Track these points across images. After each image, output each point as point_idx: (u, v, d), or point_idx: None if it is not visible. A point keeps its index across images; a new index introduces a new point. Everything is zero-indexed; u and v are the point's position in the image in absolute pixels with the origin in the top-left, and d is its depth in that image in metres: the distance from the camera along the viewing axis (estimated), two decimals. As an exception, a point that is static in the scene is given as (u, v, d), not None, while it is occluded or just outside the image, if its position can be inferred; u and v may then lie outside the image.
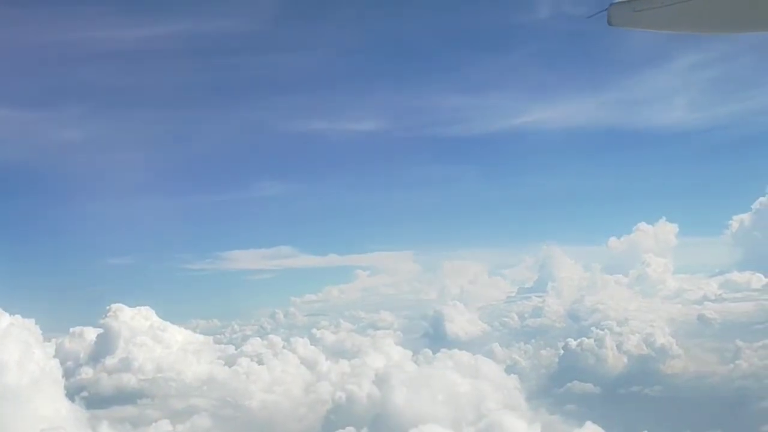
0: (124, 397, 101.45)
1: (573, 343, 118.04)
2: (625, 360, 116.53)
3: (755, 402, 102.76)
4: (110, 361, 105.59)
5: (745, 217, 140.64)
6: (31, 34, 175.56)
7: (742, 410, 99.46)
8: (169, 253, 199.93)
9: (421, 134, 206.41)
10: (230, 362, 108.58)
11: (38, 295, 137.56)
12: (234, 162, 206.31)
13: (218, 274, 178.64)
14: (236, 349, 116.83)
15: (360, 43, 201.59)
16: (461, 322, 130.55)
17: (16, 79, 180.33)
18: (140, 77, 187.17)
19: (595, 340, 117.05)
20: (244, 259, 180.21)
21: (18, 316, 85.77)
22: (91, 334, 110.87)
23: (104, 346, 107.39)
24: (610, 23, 8.09)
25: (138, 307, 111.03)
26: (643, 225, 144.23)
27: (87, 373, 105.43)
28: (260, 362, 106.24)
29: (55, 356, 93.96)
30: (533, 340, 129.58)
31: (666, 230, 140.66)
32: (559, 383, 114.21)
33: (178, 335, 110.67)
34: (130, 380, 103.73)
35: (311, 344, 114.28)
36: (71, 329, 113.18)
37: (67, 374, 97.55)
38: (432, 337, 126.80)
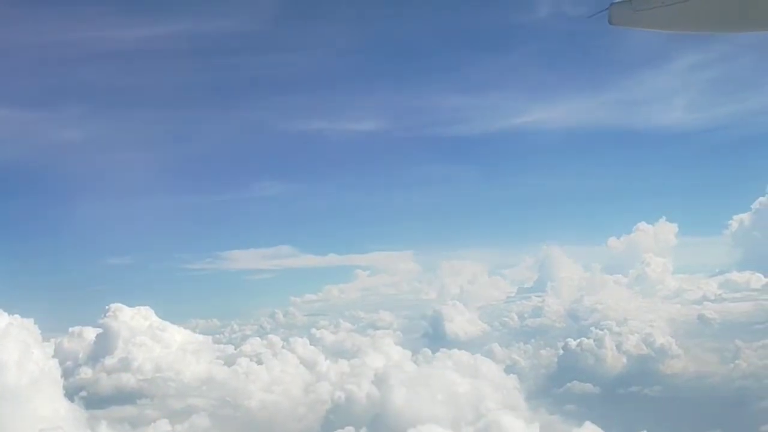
0: (123, 397, 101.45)
1: (572, 343, 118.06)
2: (625, 360, 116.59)
3: (755, 402, 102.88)
4: (109, 361, 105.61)
5: (745, 217, 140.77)
6: (31, 34, 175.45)
7: (741, 410, 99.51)
8: (169, 252, 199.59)
9: (421, 134, 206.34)
10: (229, 362, 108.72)
11: (37, 295, 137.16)
12: (234, 162, 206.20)
13: (218, 274, 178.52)
14: (235, 349, 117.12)
15: (360, 43, 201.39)
16: (461, 322, 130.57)
17: (16, 79, 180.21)
18: (140, 77, 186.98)
19: (594, 340, 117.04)
20: (244, 258, 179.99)
21: (17, 316, 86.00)
22: (90, 333, 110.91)
23: (103, 345, 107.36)
24: (610, 23, 8.09)
25: (137, 307, 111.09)
26: (642, 225, 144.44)
27: (86, 373, 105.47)
28: (259, 362, 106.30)
29: (54, 356, 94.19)
30: (533, 340, 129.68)
31: (666, 230, 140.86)
32: (558, 383, 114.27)
33: (177, 335, 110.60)
34: (129, 380, 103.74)
35: (311, 344, 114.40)
36: (70, 329, 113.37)
37: (66, 374, 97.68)
38: (431, 337, 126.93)
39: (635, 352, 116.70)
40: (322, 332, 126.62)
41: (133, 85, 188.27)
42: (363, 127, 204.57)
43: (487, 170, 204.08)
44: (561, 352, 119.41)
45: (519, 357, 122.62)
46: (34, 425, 71.05)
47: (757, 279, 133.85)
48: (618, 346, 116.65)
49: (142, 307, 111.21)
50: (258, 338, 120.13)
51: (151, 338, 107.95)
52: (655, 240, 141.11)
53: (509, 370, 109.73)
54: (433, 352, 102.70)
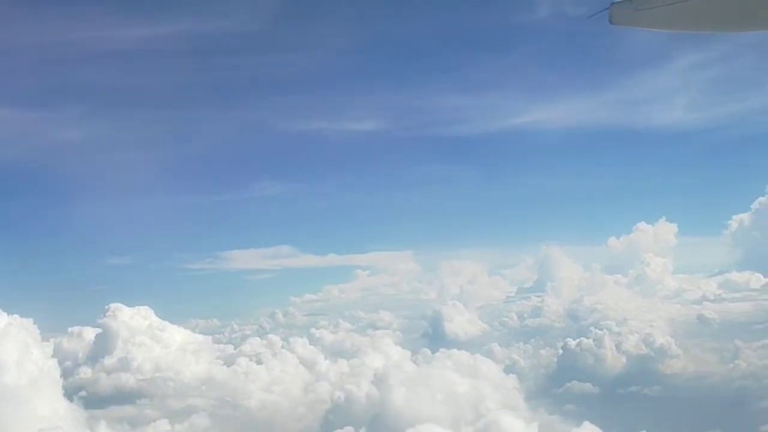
0: (123, 396, 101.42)
1: (572, 343, 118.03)
2: (624, 360, 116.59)
3: (754, 402, 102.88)
4: (109, 361, 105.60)
5: (745, 217, 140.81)
6: (31, 34, 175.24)
7: (741, 410, 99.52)
8: (169, 252, 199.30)
9: (421, 134, 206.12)
10: (229, 362, 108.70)
11: (37, 295, 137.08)
12: (234, 162, 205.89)
13: (218, 273, 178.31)
14: (235, 349, 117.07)
15: (360, 43, 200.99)
16: (460, 321, 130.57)
17: (16, 79, 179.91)
18: (140, 77, 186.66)
19: (594, 340, 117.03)
20: (244, 258, 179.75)
21: (16, 316, 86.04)
22: (89, 333, 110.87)
23: (103, 345, 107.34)
24: (611, 22, 8.09)
25: (137, 307, 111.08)
26: (642, 225, 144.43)
27: (85, 372, 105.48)
28: (259, 362, 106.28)
29: (53, 356, 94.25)
30: (532, 340, 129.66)
31: (665, 230, 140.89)
32: (558, 383, 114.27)
33: (177, 335, 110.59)
34: (128, 380, 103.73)
35: (310, 344, 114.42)
36: (70, 329, 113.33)
37: (66, 374, 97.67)
38: (431, 336, 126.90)
39: (635, 352, 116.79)
40: (321, 332, 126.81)
41: (133, 85, 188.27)
42: (363, 127, 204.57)
43: (487, 170, 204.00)
44: (560, 352, 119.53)
45: (518, 357, 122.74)
46: (34, 425, 71.06)
47: (756, 279, 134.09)
48: (617, 346, 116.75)
49: (141, 307, 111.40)
50: (258, 338, 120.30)
51: (151, 338, 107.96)
52: (655, 240, 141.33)
53: (509, 370, 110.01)
54: (433, 352, 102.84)
